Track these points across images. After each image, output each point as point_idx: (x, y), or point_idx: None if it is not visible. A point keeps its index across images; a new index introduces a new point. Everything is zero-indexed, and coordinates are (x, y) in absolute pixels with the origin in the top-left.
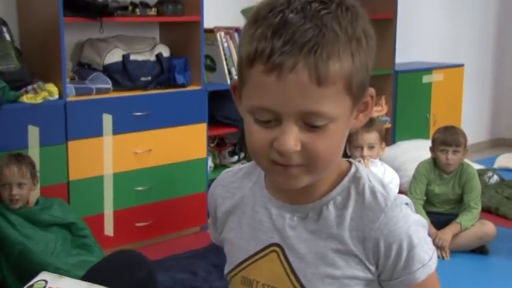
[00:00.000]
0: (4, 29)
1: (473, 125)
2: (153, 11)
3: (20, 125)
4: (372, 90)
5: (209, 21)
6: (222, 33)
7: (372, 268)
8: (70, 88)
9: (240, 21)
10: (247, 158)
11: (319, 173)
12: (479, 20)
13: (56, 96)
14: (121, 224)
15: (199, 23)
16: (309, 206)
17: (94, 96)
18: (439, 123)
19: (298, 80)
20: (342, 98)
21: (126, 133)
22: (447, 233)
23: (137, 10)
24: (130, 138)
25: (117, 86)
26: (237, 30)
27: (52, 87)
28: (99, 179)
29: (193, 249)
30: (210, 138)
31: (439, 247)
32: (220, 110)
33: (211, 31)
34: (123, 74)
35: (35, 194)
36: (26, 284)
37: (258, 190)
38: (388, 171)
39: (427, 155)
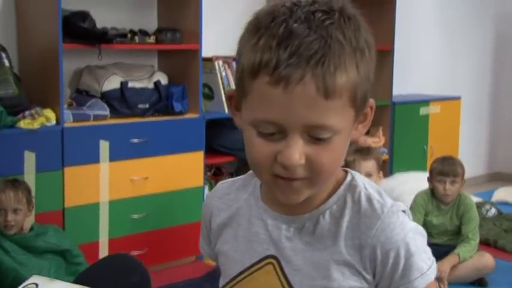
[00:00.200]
0: (3, 55)
1: (471, 158)
2: (152, 39)
3: (16, 150)
4: (372, 101)
5: (207, 50)
6: (220, 62)
7: (369, 277)
8: (67, 114)
9: None
10: None
11: (321, 185)
12: (476, 54)
13: (53, 122)
14: (116, 251)
15: (198, 51)
16: (306, 216)
17: (91, 123)
18: (437, 155)
19: (305, 93)
20: (347, 110)
21: (123, 160)
22: (445, 264)
23: (136, 38)
24: (127, 166)
25: (115, 112)
26: (235, 59)
27: (49, 113)
28: (95, 206)
29: (188, 278)
30: (207, 167)
31: (437, 279)
32: (217, 139)
33: (209, 60)
34: (121, 101)
35: (29, 221)
36: None
37: (253, 202)
38: None
39: (425, 186)
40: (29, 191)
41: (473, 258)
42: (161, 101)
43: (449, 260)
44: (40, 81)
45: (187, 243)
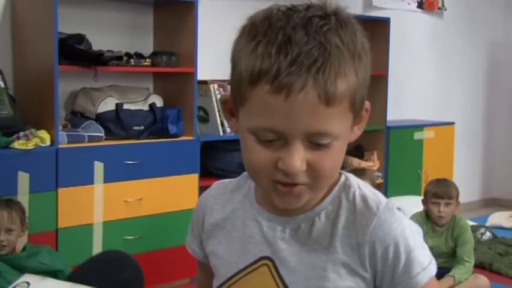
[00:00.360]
0: None
1: (465, 184)
2: (148, 62)
3: (10, 171)
4: (367, 104)
5: (203, 73)
6: (216, 85)
7: (367, 275)
8: (62, 135)
9: None
10: None
11: (321, 190)
12: (469, 81)
13: (48, 142)
14: None
15: (193, 74)
16: (301, 217)
17: (86, 144)
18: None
19: (307, 101)
20: (346, 116)
21: (117, 181)
22: (441, 286)
23: (132, 60)
24: (122, 187)
25: (110, 134)
26: (229, 83)
27: (44, 134)
28: (89, 227)
29: None
30: (202, 189)
31: None
32: (212, 161)
33: (204, 82)
34: (115, 123)
35: (22, 241)
36: None
37: (248, 203)
38: None
39: (420, 210)
40: (23, 211)
41: (468, 280)
42: (156, 123)
43: (445, 282)
44: (35, 103)
45: (181, 265)
